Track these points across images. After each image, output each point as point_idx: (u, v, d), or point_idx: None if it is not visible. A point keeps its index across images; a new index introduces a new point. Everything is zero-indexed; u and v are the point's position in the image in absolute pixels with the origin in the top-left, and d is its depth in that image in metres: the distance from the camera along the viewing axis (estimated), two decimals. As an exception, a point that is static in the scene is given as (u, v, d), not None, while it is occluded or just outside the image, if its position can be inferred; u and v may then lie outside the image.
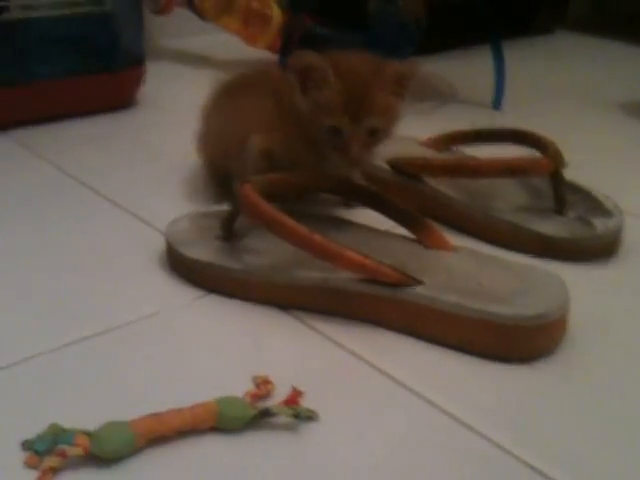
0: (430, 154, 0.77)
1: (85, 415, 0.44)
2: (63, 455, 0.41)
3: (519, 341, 0.52)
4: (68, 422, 0.43)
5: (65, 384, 0.48)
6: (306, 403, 0.46)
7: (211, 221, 0.62)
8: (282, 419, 0.45)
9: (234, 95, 0.70)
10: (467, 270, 0.56)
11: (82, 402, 0.46)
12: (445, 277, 0.55)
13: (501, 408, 0.48)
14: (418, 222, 0.60)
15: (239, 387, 0.47)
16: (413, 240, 0.60)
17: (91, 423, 0.42)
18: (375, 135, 0.62)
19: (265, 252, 0.59)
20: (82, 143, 0.85)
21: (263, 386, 0.47)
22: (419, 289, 0.53)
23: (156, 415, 0.43)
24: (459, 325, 0.52)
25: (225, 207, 0.63)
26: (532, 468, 0.43)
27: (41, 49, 0.86)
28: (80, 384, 0.48)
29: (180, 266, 0.60)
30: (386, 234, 0.62)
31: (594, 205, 0.69)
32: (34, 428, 0.42)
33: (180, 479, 0.41)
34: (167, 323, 0.55)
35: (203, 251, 0.59)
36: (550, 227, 0.66)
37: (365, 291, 0.54)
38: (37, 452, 0.41)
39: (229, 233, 0.60)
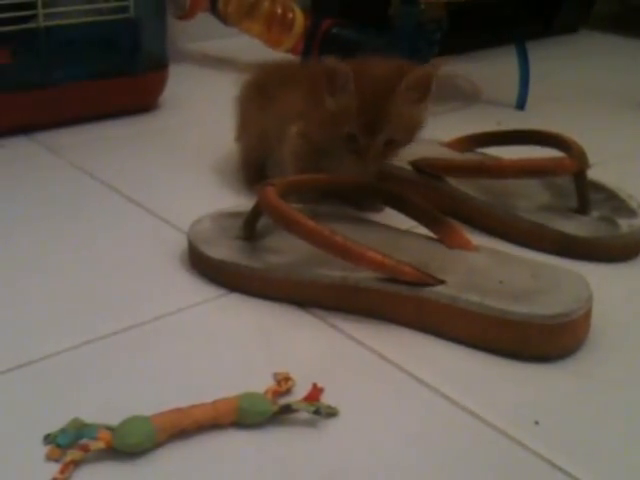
0: (452, 155, 0.77)
1: (107, 410, 0.44)
2: (86, 449, 0.41)
3: (541, 340, 0.51)
4: (90, 417, 0.43)
5: (88, 380, 0.48)
6: (326, 400, 0.46)
7: (233, 221, 0.63)
8: (303, 415, 0.45)
9: (272, 85, 0.71)
10: (489, 269, 0.56)
11: (104, 397, 0.47)
12: (467, 276, 0.55)
13: (522, 406, 0.47)
14: (440, 222, 0.60)
15: (260, 384, 0.47)
16: (435, 240, 0.60)
17: (113, 418, 0.43)
18: (391, 145, 0.62)
19: (285, 251, 0.59)
20: (106, 145, 0.86)
21: (284, 383, 0.47)
22: (441, 288, 0.53)
23: (178, 410, 0.43)
24: (480, 324, 0.52)
25: (248, 207, 0.63)
26: (552, 465, 0.43)
27: (66, 54, 0.87)
28: (102, 380, 0.48)
29: (202, 265, 0.60)
30: (408, 234, 0.62)
31: (618, 205, 0.68)
32: (56, 423, 0.43)
33: (200, 473, 0.42)
34: (189, 321, 0.55)
35: (224, 250, 0.59)
36: (573, 226, 0.65)
37: (385, 289, 0.54)
38: (59, 446, 0.41)
39: (251, 233, 0.61)
